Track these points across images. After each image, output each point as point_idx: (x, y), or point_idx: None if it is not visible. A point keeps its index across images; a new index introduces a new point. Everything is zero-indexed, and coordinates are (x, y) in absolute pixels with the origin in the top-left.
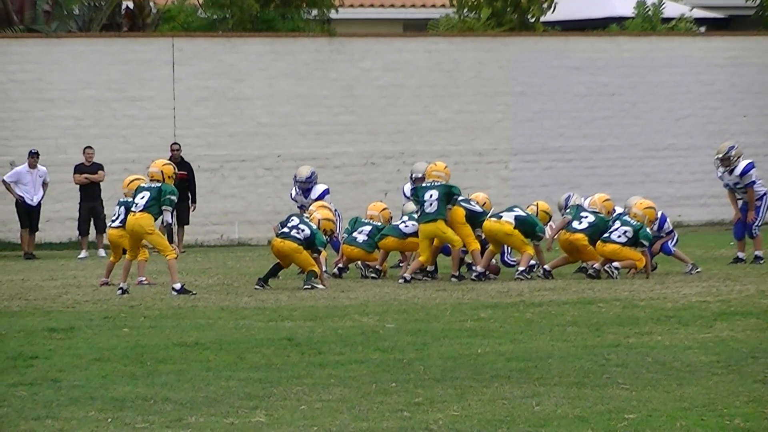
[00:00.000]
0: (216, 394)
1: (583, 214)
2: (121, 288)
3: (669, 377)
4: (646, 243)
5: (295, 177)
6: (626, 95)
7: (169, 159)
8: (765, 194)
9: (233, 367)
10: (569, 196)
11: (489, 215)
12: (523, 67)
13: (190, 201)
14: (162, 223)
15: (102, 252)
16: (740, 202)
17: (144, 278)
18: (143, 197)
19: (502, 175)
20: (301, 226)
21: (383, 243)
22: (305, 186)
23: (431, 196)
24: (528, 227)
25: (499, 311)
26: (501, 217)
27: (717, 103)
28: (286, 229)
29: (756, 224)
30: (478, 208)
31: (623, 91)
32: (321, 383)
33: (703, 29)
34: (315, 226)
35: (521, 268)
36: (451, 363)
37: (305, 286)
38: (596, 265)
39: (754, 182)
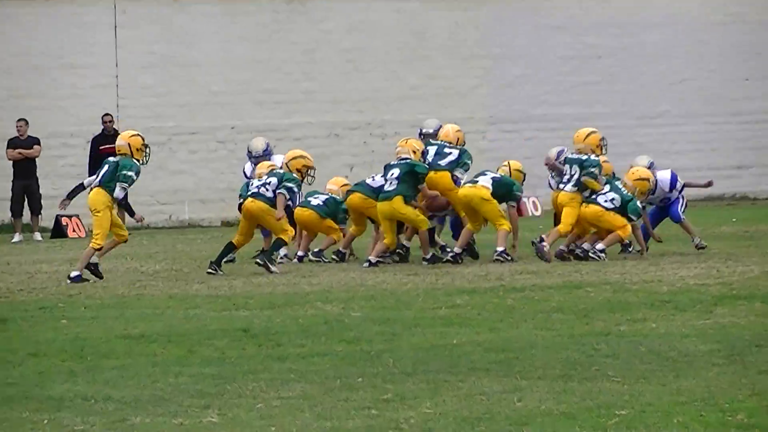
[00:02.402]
0: (163, 391)
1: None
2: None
3: (664, 368)
4: (634, 218)
5: (250, 152)
6: (615, 57)
7: (102, 132)
8: None
9: (183, 361)
10: (562, 150)
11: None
12: (502, 27)
13: None
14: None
15: (38, 235)
16: None
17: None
18: (102, 171)
19: (480, 146)
20: (269, 179)
21: (350, 200)
22: (262, 160)
23: (392, 174)
24: (505, 188)
25: (477, 297)
26: (477, 182)
27: (715, 65)
28: (254, 189)
29: None
30: None
31: (612, 52)
32: (280, 378)
33: None
34: (281, 172)
35: (499, 249)
36: (423, 355)
37: (257, 260)
38: (585, 245)
39: None
